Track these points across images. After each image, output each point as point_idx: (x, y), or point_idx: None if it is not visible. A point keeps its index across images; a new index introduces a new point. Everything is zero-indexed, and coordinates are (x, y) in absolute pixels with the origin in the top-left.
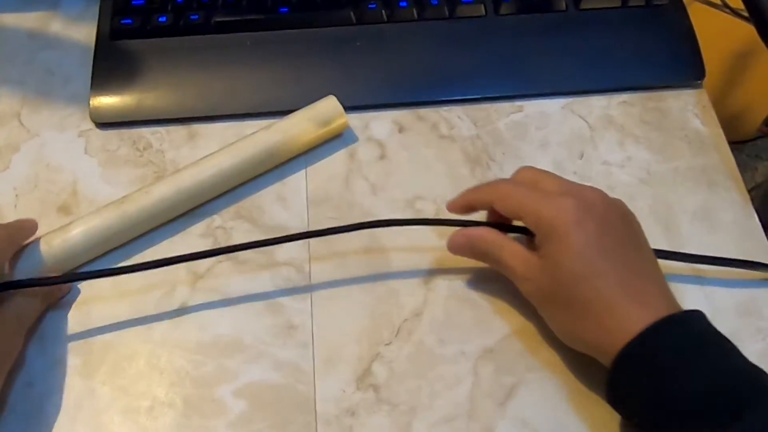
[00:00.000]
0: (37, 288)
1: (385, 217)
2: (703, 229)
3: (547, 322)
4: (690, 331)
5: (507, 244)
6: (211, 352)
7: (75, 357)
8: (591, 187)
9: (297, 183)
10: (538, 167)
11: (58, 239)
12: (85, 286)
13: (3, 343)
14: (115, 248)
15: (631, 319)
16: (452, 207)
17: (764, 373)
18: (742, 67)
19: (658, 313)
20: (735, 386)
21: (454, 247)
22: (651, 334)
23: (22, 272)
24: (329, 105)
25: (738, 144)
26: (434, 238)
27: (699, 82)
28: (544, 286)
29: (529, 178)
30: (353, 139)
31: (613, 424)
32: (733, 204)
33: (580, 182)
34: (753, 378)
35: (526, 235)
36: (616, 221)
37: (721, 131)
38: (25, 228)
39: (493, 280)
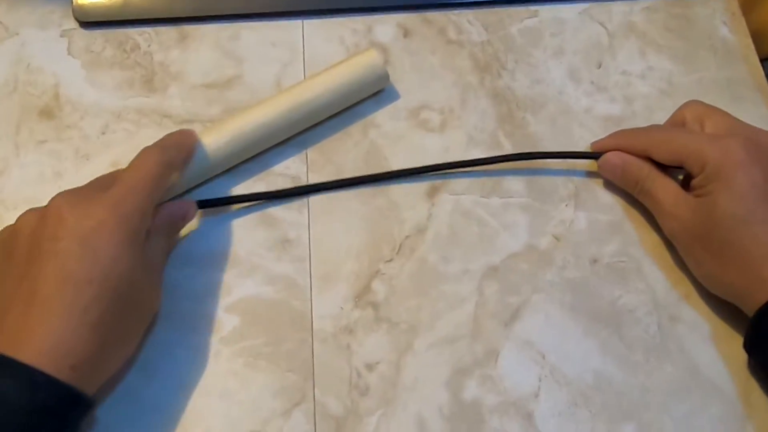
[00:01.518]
0: (166, 224)
1: (387, 128)
2: None
3: (689, 264)
4: None
5: (660, 178)
6: (203, 265)
7: None
8: (763, 130)
9: None
10: (702, 102)
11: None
12: None
13: (156, 289)
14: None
15: None
16: (598, 147)
17: None
18: None
19: None
20: None
21: (607, 167)
22: None
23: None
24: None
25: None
26: (439, 151)
27: None
28: (694, 227)
29: (694, 112)
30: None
31: (620, 347)
32: (761, 119)
33: (597, 93)
34: None
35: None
36: None
37: (750, 42)
38: (184, 144)
39: (500, 195)
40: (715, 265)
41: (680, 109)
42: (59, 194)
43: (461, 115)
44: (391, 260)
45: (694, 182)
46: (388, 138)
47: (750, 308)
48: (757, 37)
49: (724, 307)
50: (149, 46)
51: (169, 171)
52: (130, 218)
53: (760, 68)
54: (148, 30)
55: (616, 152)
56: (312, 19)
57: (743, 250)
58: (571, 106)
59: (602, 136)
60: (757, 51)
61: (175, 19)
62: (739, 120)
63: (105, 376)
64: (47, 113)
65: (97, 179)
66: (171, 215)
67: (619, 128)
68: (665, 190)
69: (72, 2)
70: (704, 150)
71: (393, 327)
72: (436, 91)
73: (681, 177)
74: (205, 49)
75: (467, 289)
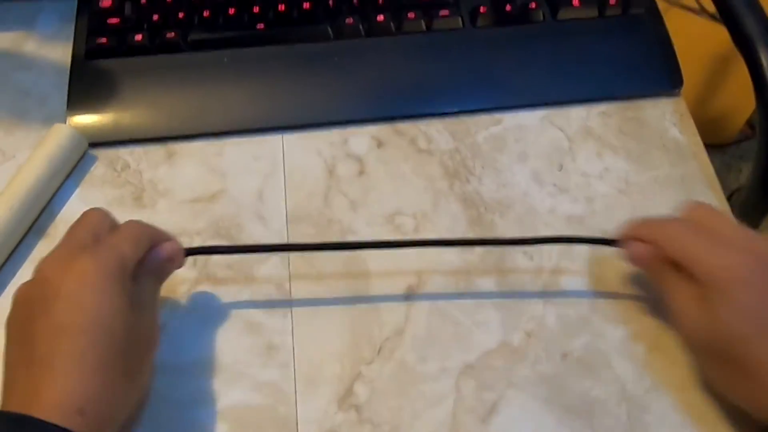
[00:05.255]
0: (153, 266)
1: (364, 234)
2: None
3: (702, 370)
4: None
5: (679, 282)
6: (190, 373)
7: None
8: (766, 239)
9: (276, 201)
10: (708, 205)
11: None
12: None
13: (151, 326)
14: None
15: None
16: (620, 236)
17: None
18: (723, 70)
19: None
20: None
21: (636, 256)
22: None
23: None
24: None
25: (722, 147)
26: (414, 255)
27: (677, 90)
28: (704, 337)
29: (702, 218)
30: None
31: None
32: None
33: (560, 194)
34: None
35: None
36: None
37: (699, 139)
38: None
39: (473, 296)
40: (726, 377)
41: (687, 210)
42: (42, 260)
43: (433, 219)
44: (371, 362)
45: (699, 291)
46: None
47: (761, 416)
48: (713, 125)
49: (690, 398)
50: (138, 164)
51: (147, 242)
52: (110, 266)
53: (710, 165)
54: (138, 149)
55: (641, 245)
56: (291, 133)
57: (752, 366)
58: (536, 207)
59: None
60: (713, 138)
61: (162, 138)
62: (742, 228)
63: (116, 419)
64: (41, 231)
65: (74, 236)
66: (158, 259)
67: (583, 227)
68: (678, 291)
69: (67, 124)
70: (708, 259)
71: (376, 428)
72: (409, 197)
73: None
74: (191, 165)
75: (445, 388)
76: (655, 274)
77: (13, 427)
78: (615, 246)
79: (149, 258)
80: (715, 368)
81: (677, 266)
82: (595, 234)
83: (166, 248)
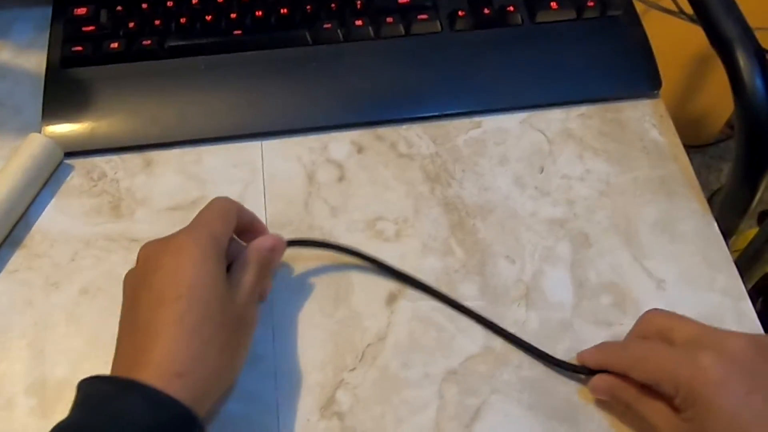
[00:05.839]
0: (255, 255)
1: (345, 240)
2: (664, 240)
3: None
4: None
5: (648, 401)
6: None
7: (29, 398)
8: (733, 333)
9: (256, 207)
10: (662, 311)
11: None
12: None
13: (248, 309)
14: None
15: None
16: (583, 360)
17: None
18: (702, 71)
19: None
20: None
21: (596, 390)
22: None
23: None
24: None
25: (702, 147)
26: (396, 260)
27: (656, 92)
28: None
29: (658, 326)
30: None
31: None
32: (692, 213)
33: (541, 197)
34: None
35: None
36: (766, 370)
37: (678, 140)
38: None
39: (457, 299)
40: None
41: (641, 322)
42: (144, 244)
43: (415, 224)
44: (354, 369)
45: (675, 404)
46: None
47: None
48: (693, 126)
49: None
50: (116, 173)
51: (233, 217)
52: (204, 240)
53: (689, 166)
54: (115, 158)
55: (603, 376)
56: (270, 139)
57: None
58: (518, 211)
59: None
60: (693, 139)
61: (139, 147)
62: (702, 325)
63: (211, 392)
64: (17, 243)
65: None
66: (262, 249)
67: (563, 229)
68: (656, 413)
69: (42, 133)
70: (676, 370)
71: None
72: (391, 203)
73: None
74: (169, 173)
75: (428, 394)
76: (626, 402)
77: (118, 390)
78: (579, 373)
79: (250, 248)
80: None
81: (647, 387)
82: (575, 235)
83: (269, 239)
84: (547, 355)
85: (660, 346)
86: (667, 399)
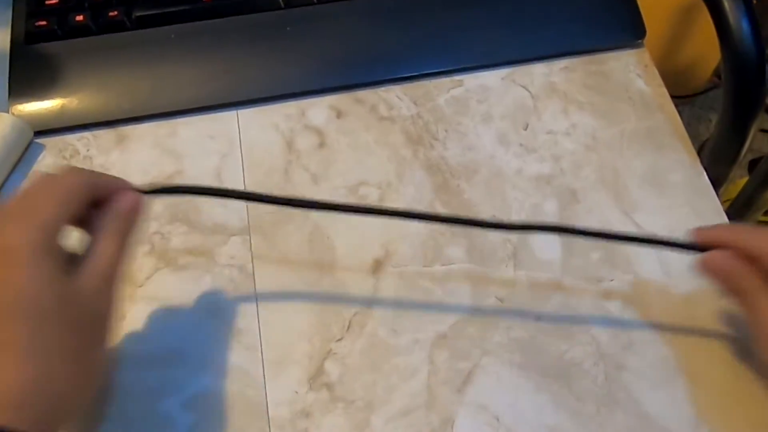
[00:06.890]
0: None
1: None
2: (654, 193)
3: None
4: None
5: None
6: (153, 364)
7: None
8: None
9: (234, 179)
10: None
11: None
12: None
13: (102, 296)
14: None
15: None
16: (704, 239)
17: None
18: (689, 20)
19: None
20: None
21: (710, 267)
22: None
23: None
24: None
25: (690, 97)
26: (380, 226)
27: (640, 41)
28: None
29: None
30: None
31: (571, 400)
32: (681, 164)
33: (527, 154)
34: None
35: None
36: None
37: (665, 90)
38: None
39: (442, 262)
40: None
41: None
42: None
43: (399, 188)
44: (341, 339)
45: None
46: (329, 217)
47: None
48: (681, 76)
49: (667, 351)
50: (88, 150)
51: (85, 194)
52: (34, 235)
53: (677, 115)
54: (87, 134)
55: (725, 253)
56: (246, 108)
57: None
58: (503, 170)
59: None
60: (681, 90)
61: (112, 122)
62: None
63: (64, 410)
64: None
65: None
66: (117, 215)
67: (550, 186)
68: None
69: (9, 112)
70: None
71: (349, 405)
72: (373, 167)
73: None
74: (143, 148)
75: (418, 359)
76: (743, 290)
77: None
78: (689, 251)
79: (108, 218)
80: None
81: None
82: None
83: (124, 201)
84: (644, 238)
85: None
86: None
